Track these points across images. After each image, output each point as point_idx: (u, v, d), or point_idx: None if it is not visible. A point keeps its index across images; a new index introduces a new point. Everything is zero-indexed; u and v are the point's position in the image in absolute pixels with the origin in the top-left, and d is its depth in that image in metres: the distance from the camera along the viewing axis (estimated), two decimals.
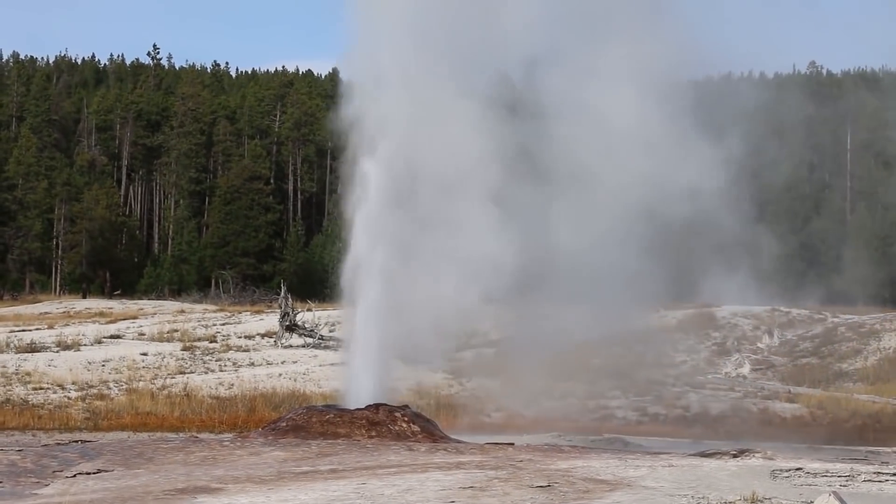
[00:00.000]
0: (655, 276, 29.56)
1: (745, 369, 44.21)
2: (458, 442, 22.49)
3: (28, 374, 36.24)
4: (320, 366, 38.72)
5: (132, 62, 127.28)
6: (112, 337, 45.14)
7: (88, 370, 37.35)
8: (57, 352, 40.59)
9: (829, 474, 16.28)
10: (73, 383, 35.08)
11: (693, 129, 30.12)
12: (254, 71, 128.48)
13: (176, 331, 46.49)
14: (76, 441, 23.25)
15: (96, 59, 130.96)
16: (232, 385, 35.64)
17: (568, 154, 28.59)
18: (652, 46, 29.43)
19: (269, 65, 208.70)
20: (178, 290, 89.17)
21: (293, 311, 45.18)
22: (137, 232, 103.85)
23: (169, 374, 37.23)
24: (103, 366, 38.20)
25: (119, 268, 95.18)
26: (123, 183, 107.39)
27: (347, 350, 26.68)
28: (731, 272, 50.26)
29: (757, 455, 18.32)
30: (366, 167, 26.44)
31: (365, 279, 26.03)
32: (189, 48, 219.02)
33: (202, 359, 40.48)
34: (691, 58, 31.94)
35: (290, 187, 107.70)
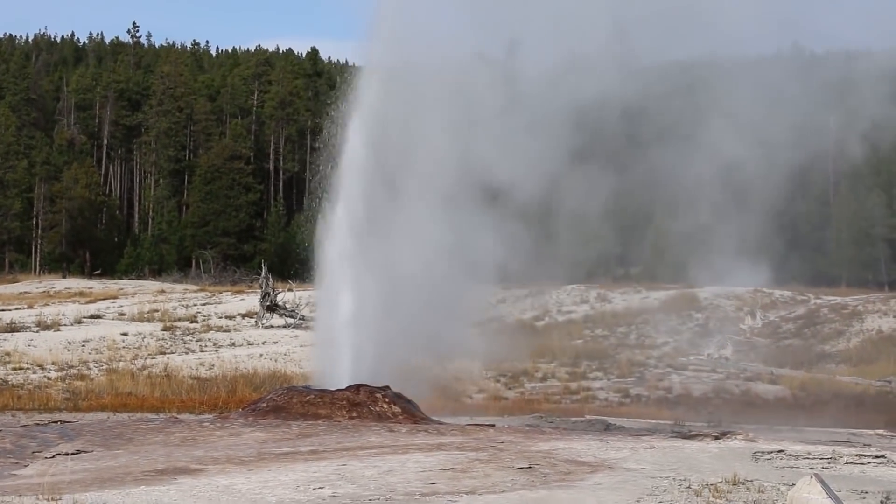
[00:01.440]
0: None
1: (728, 351, 44.17)
2: (439, 423, 22.42)
3: (7, 354, 36.08)
4: (301, 346, 38.58)
5: (112, 40, 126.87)
6: (92, 317, 45.02)
7: (68, 350, 37.22)
8: (37, 332, 40.46)
9: (811, 456, 16.26)
10: (52, 363, 34.93)
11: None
12: (234, 50, 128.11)
13: (156, 311, 46.40)
14: (56, 421, 23.12)
15: (75, 38, 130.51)
16: (212, 365, 35.53)
17: None
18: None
19: (248, 43, 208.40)
20: (158, 270, 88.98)
21: (274, 291, 45.09)
22: (117, 211, 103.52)
23: (149, 355, 37.11)
24: (83, 346, 38.08)
25: (99, 247, 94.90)
26: (103, 162, 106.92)
27: (328, 330, 26.62)
28: (715, 253, 50.30)
29: (739, 437, 18.30)
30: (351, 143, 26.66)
31: (344, 258, 26.07)
32: (169, 27, 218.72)
33: (182, 339, 40.37)
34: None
35: (271, 167, 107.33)
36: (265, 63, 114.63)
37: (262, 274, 45.59)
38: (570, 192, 30.40)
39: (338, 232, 26.29)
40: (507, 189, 27.73)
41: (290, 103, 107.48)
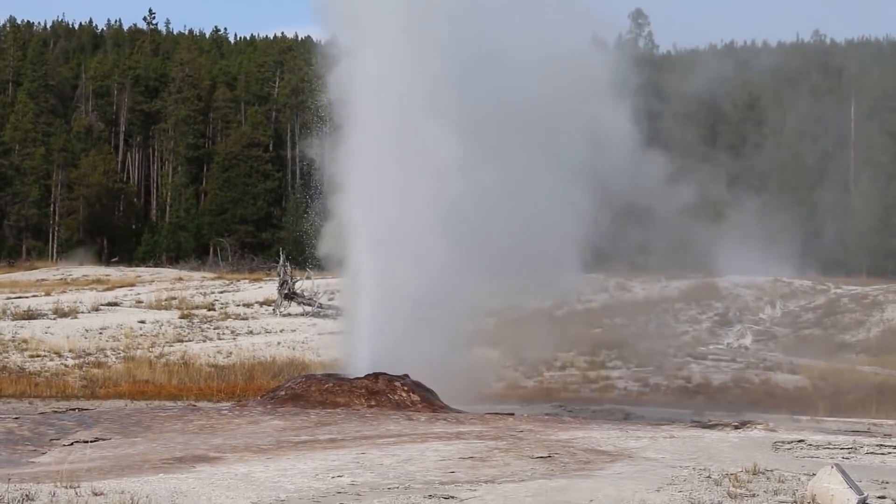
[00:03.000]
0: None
1: (747, 340, 44.03)
2: (458, 412, 22.37)
3: (25, 341, 36.14)
4: (319, 334, 38.58)
5: (129, 27, 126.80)
6: (109, 304, 45.05)
7: (85, 338, 37.26)
8: (54, 319, 40.49)
9: (831, 446, 16.15)
10: (70, 351, 34.95)
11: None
12: (252, 37, 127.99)
13: (174, 298, 46.40)
14: (73, 409, 23.15)
15: (93, 25, 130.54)
16: (230, 353, 35.52)
17: None
18: None
19: (267, 31, 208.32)
20: (175, 258, 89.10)
21: (292, 279, 45.02)
22: (135, 199, 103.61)
23: (167, 342, 37.13)
24: (100, 333, 38.11)
25: (116, 235, 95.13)
26: (121, 149, 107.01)
27: (347, 318, 26.60)
28: (735, 242, 50.12)
29: (759, 427, 18.22)
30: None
31: (359, 246, 26.03)
32: (187, 14, 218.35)
33: (200, 327, 40.37)
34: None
35: (289, 155, 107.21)
36: (287, 50, 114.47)
37: (280, 262, 45.54)
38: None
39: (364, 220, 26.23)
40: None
41: (304, 90, 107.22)
